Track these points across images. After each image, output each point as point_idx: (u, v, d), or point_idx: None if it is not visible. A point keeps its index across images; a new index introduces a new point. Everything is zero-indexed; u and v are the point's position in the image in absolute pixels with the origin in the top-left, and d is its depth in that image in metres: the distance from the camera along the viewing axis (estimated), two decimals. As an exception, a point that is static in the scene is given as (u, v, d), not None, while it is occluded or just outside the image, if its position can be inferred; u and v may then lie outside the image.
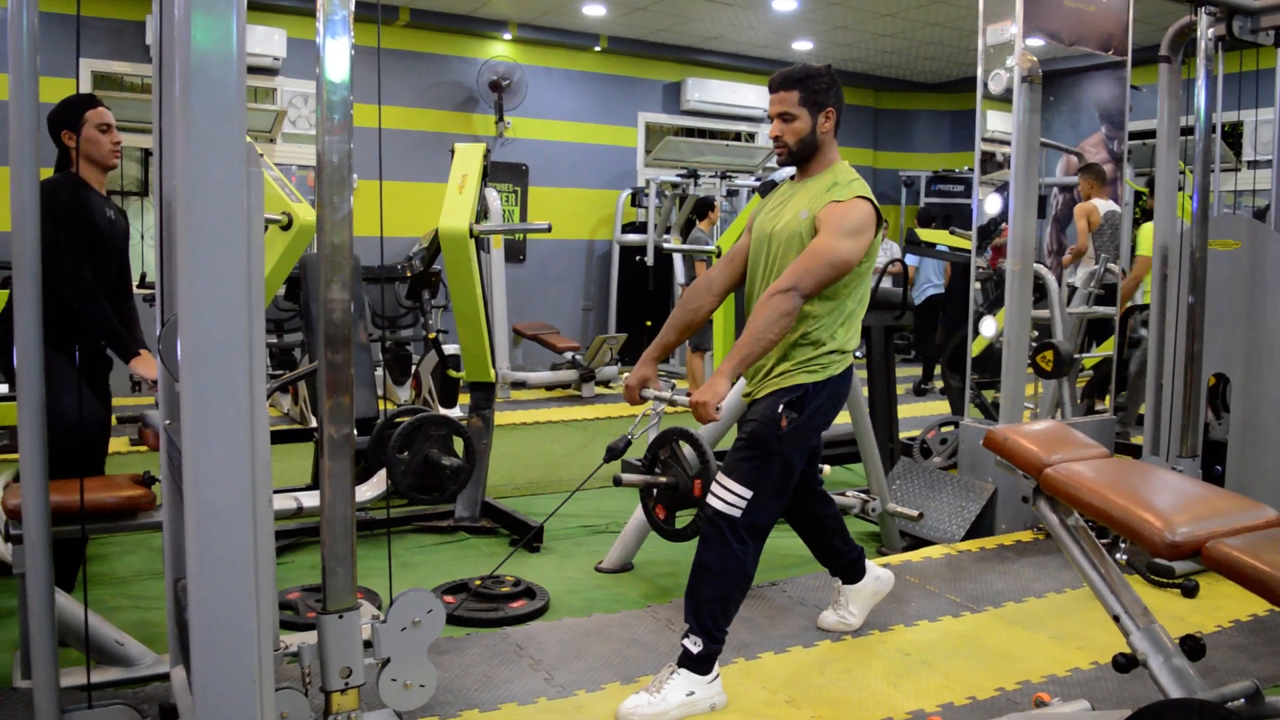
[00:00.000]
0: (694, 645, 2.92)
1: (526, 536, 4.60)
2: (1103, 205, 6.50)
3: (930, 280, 9.71)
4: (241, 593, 1.93)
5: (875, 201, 3.05)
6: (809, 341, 3.03)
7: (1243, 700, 2.22)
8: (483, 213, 5.06)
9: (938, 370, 9.72)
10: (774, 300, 2.88)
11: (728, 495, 2.95)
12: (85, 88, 8.58)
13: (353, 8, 2.21)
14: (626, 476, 3.90)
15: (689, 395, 2.99)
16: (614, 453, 3.30)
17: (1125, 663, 2.30)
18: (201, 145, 1.82)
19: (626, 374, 3.33)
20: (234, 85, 1.84)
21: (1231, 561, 2.02)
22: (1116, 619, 2.36)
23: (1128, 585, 2.43)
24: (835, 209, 2.97)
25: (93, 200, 3.61)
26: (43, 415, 2.52)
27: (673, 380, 8.28)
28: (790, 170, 3.27)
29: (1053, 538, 2.55)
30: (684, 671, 2.91)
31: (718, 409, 2.87)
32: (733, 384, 2.93)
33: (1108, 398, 6.81)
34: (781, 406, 3.01)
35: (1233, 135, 9.33)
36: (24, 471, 2.53)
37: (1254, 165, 9.22)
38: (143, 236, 9.30)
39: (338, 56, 2.19)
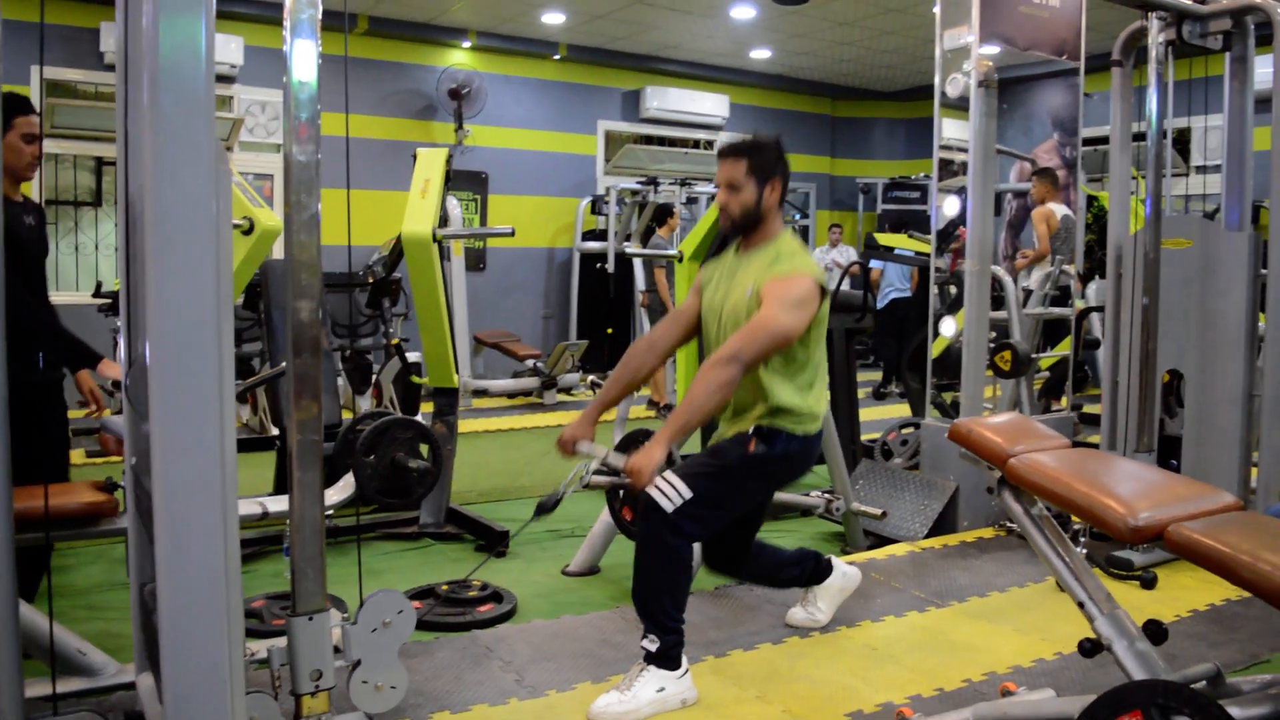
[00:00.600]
0: (651, 643, 2.93)
1: (497, 546, 4.59)
2: (1058, 209, 6.62)
3: (893, 285, 9.80)
4: (211, 596, 1.92)
5: (819, 274, 3.09)
6: (779, 407, 3.07)
7: (1204, 682, 2.27)
8: (442, 221, 5.05)
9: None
10: (714, 370, 2.90)
11: (668, 489, 2.94)
12: (36, 95, 8.46)
13: (320, 9, 2.22)
14: (594, 479, 3.90)
15: (625, 456, 2.98)
16: (544, 509, 3.23)
17: (1090, 648, 2.34)
18: (170, 141, 1.82)
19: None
20: (203, 81, 1.84)
21: (1193, 544, 2.07)
22: (1081, 605, 2.40)
23: (1091, 572, 2.47)
24: (777, 284, 3.00)
25: (11, 210, 3.42)
26: (6, 420, 2.48)
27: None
28: None
29: (1018, 527, 2.59)
30: (653, 668, 2.92)
31: (652, 477, 2.86)
32: (667, 451, 2.90)
33: (1064, 398, 6.92)
34: (753, 432, 3.07)
35: (1181, 141, 9.51)
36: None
37: (1202, 170, 9.41)
38: (96, 246, 9.20)
39: (305, 58, 2.20)
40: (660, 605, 2.94)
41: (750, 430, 3.07)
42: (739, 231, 3.19)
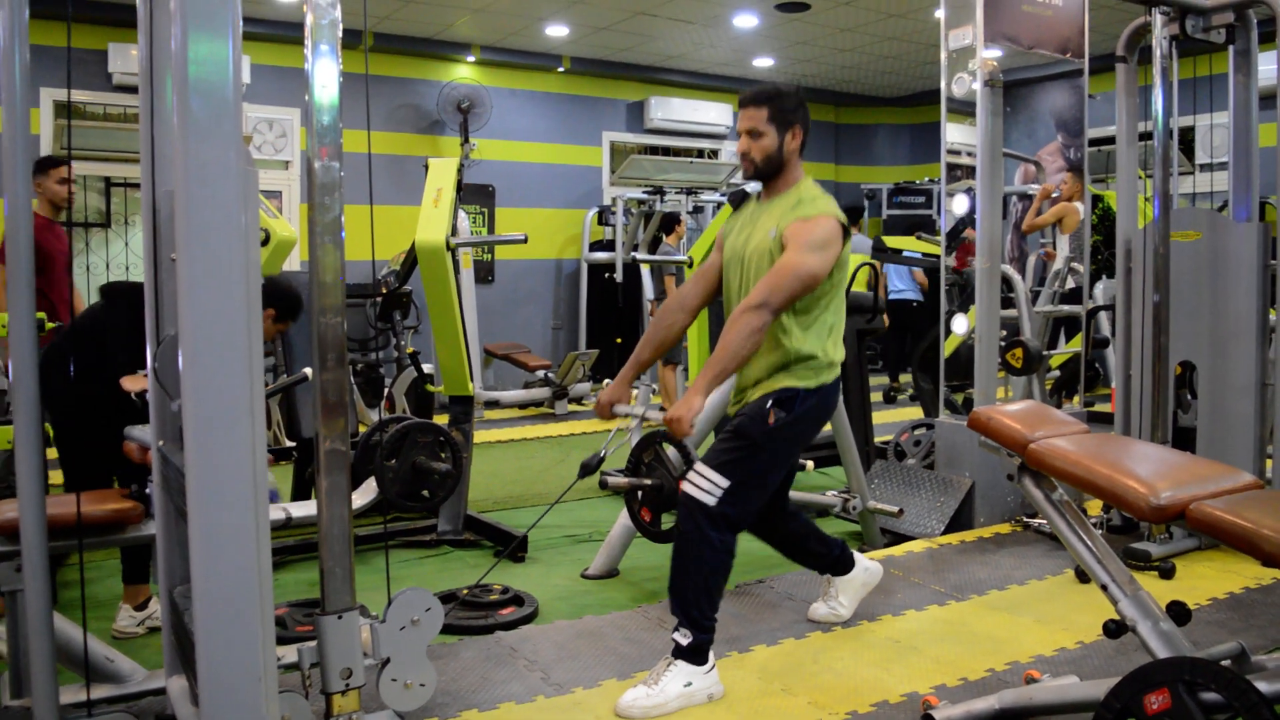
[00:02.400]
0: (684, 637, 2.95)
1: (511, 546, 4.61)
2: (1080, 208, 6.64)
3: (895, 286, 9.81)
4: (245, 596, 1.95)
5: (841, 216, 3.11)
6: (797, 354, 3.08)
7: (1229, 661, 2.28)
8: (453, 231, 5.09)
9: (904, 379, 9.86)
10: (745, 316, 2.92)
11: (704, 483, 2.98)
12: (46, 117, 8.54)
13: (340, 29, 2.26)
14: (612, 480, 3.93)
15: (662, 411, 3.03)
16: (588, 469, 3.28)
17: (1115, 629, 2.35)
18: (200, 142, 1.85)
19: (599, 390, 3.38)
20: (230, 87, 1.88)
21: (1216, 521, 2.09)
22: (1104, 588, 2.42)
23: (1114, 555, 2.49)
24: (801, 225, 3.02)
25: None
26: (40, 430, 2.53)
27: (653, 386, 8.32)
28: (760, 185, 3.34)
29: (1038, 514, 2.61)
30: (680, 663, 2.94)
31: (692, 424, 2.89)
32: (706, 399, 2.95)
33: (1076, 396, 6.93)
34: (770, 403, 3.06)
35: (1185, 140, 9.53)
36: (21, 487, 2.53)
37: (1208, 168, 9.42)
38: (107, 266, 9.25)
39: (326, 79, 2.24)
40: (697, 601, 2.96)
41: (768, 403, 3.06)
42: (760, 178, 3.20)
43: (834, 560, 3.57)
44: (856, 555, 3.64)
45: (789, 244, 3.00)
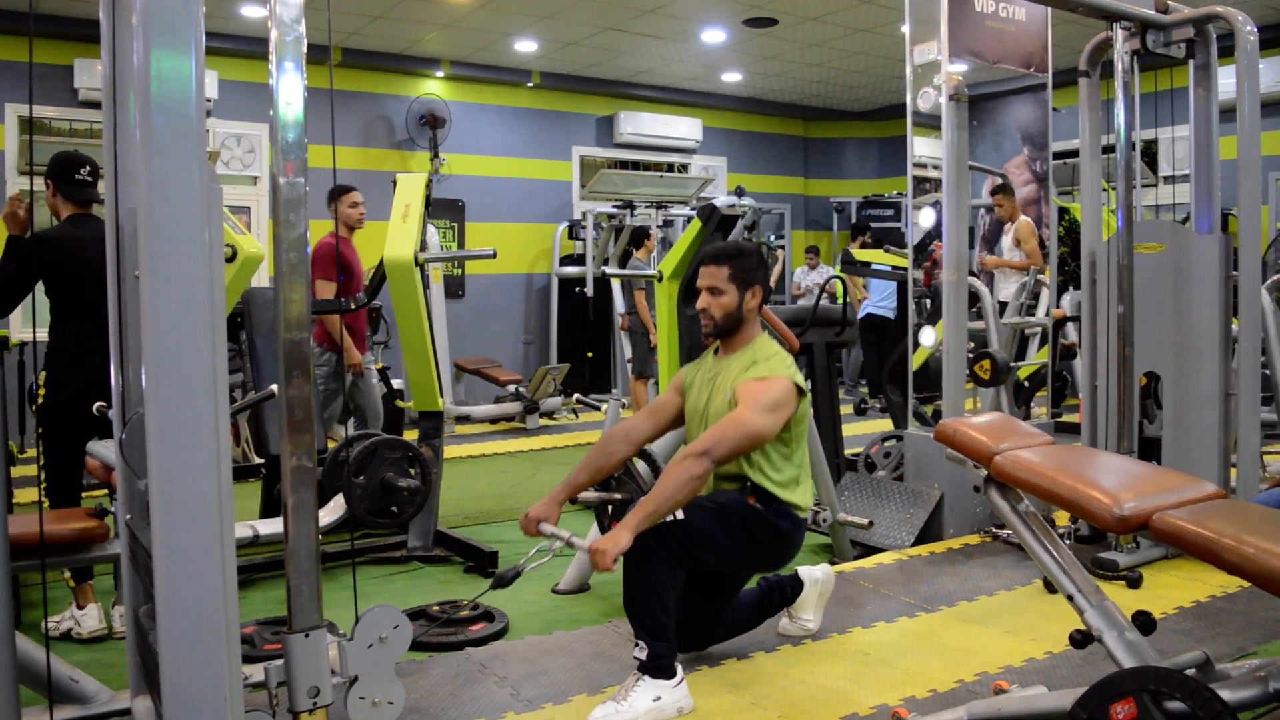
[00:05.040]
0: (642, 651, 2.95)
1: (497, 575, 4.59)
2: (1025, 220, 6.74)
3: (874, 301, 9.86)
4: (210, 615, 1.93)
5: (797, 377, 3.19)
6: (782, 477, 3.19)
7: (1194, 670, 2.30)
8: (422, 246, 5.08)
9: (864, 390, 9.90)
10: (686, 463, 2.97)
11: None
12: (11, 132, 8.46)
13: (304, 44, 2.25)
14: (582, 495, 3.92)
15: (587, 541, 3.02)
16: (502, 581, 3.23)
17: (1081, 639, 2.37)
18: (162, 158, 1.84)
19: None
20: (193, 102, 1.87)
21: (1179, 531, 2.11)
22: (1071, 598, 2.44)
23: (1079, 565, 2.51)
24: (754, 385, 3.12)
25: None
26: (4, 448, 2.50)
27: (623, 401, 8.32)
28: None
29: (1005, 525, 2.62)
30: (647, 678, 2.93)
31: (615, 560, 2.87)
32: (633, 537, 2.90)
33: (1044, 407, 6.99)
34: (751, 487, 3.18)
35: (1149, 152, 9.66)
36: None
37: (1171, 180, 9.55)
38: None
39: (291, 93, 2.22)
40: (648, 608, 2.97)
41: (749, 486, 3.17)
42: (719, 334, 3.32)
43: (780, 601, 3.58)
44: (802, 570, 3.64)
45: (740, 401, 3.10)
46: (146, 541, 2.10)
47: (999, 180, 7.09)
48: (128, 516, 2.56)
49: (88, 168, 4.13)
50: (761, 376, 3.14)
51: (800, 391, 3.18)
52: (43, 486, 4.01)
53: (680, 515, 3.01)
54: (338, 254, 5.23)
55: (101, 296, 3.89)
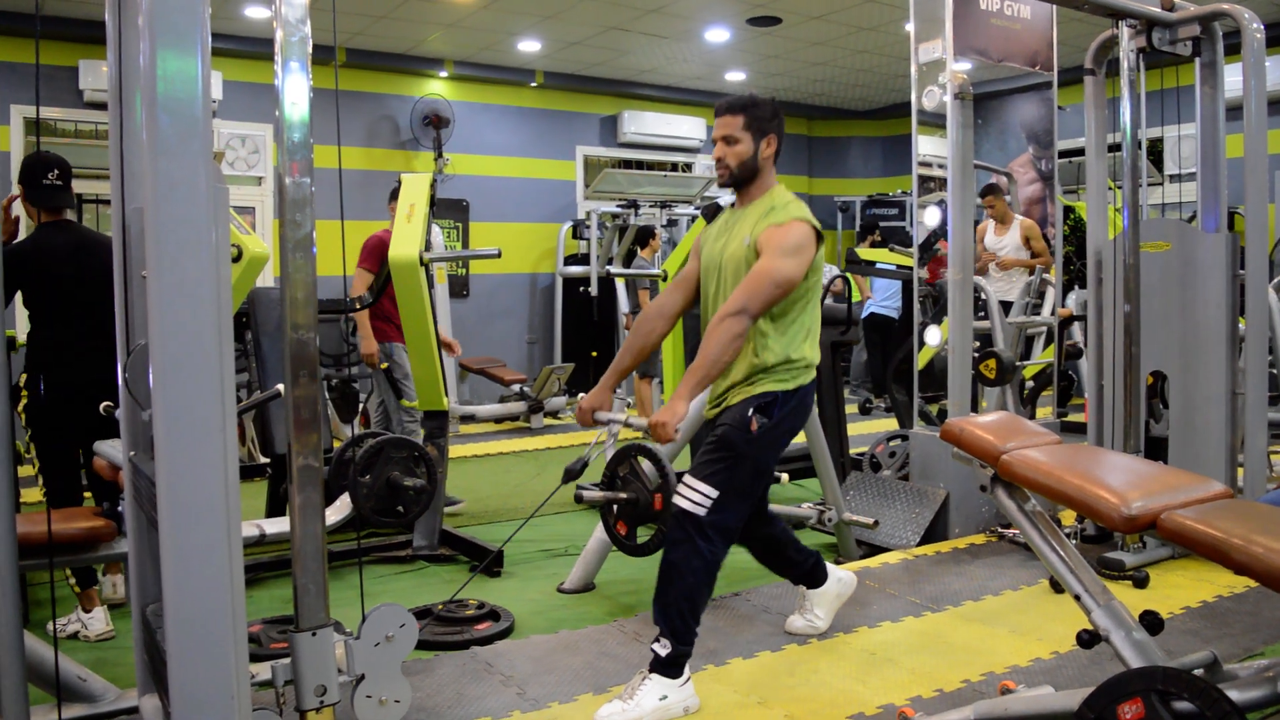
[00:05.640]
0: (663, 648, 2.95)
1: (486, 560, 4.59)
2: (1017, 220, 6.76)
3: (877, 301, 9.84)
4: (217, 612, 1.93)
5: (814, 221, 3.15)
6: (775, 359, 3.12)
7: (1202, 670, 2.29)
8: (427, 246, 5.08)
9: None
10: (725, 323, 2.96)
11: (693, 494, 3.00)
12: (16, 134, 8.47)
13: (310, 46, 2.26)
14: (587, 494, 3.92)
15: (643, 418, 3.05)
16: (571, 474, 3.30)
17: (1089, 639, 2.36)
18: (169, 159, 1.85)
19: (575, 404, 3.39)
20: (199, 103, 1.87)
21: (1187, 531, 2.10)
22: (1078, 598, 2.43)
23: (1087, 565, 2.50)
24: (774, 231, 3.08)
25: None
26: (11, 448, 2.51)
27: (628, 400, 8.31)
28: (734, 198, 3.37)
29: (1012, 525, 2.62)
30: (655, 676, 2.93)
31: (676, 430, 2.90)
32: (689, 405, 2.98)
33: (1048, 407, 6.98)
34: (751, 410, 3.08)
35: (1154, 151, 9.64)
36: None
37: (1177, 179, 9.53)
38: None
39: (297, 94, 2.23)
40: (680, 611, 2.96)
41: (749, 410, 3.08)
42: (735, 184, 3.25)
43: (808, 571, 3.58)
44: (830, 567, 3.65)
45: (763, 250, 3.05)
46: (150, 474, 2.10)
47: (1004, 179, 7.09)
48: (131, 453, 2.56)
49: (56, 171, 4.02)
50: (780, 222, 3.09)
51: (818, 235, 3.13)
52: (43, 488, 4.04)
53: (712, 493, 2.97)
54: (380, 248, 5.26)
55: (81, 300, 3.91)
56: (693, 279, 3.38)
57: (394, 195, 5.59)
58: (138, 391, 2.41)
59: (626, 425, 3.19)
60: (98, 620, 3.88)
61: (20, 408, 3.98)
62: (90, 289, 3.83)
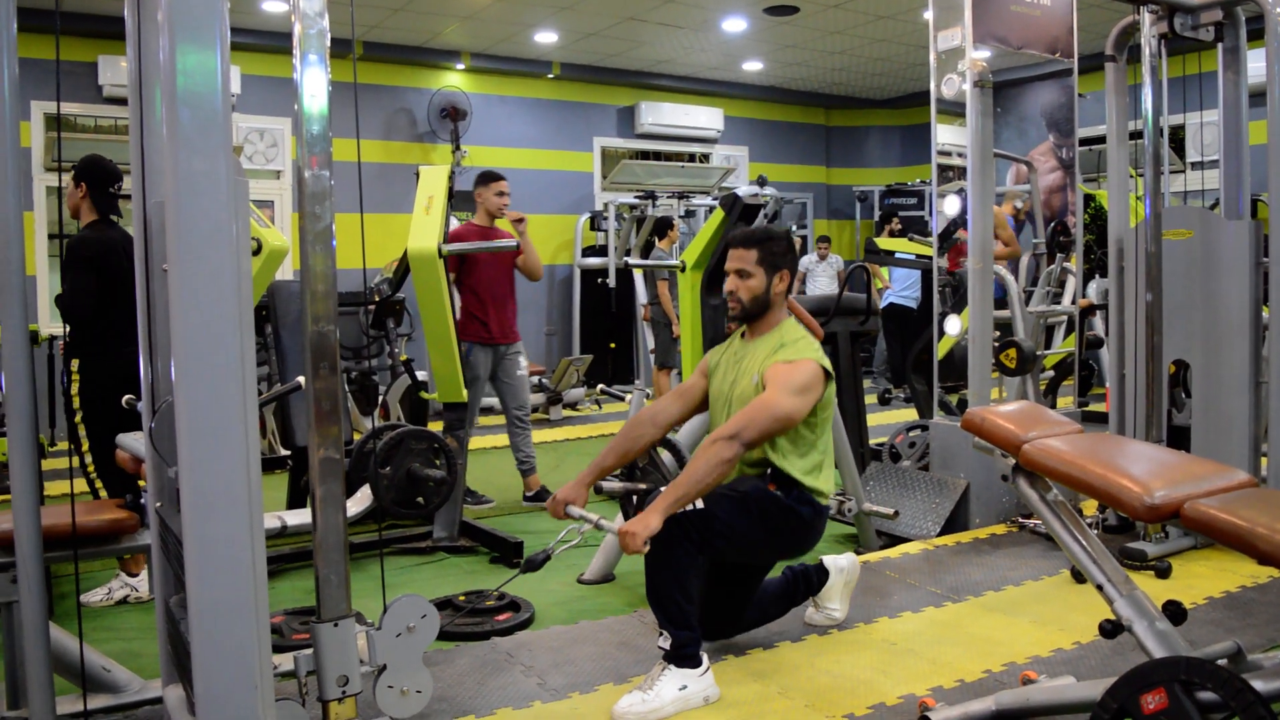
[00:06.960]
0: (666, 640, 2.95)
1: (526, 562, 4.61)
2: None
3: (896, 291, 9.81)
4: (241, 603, 1.95)
5: (824, 361, 3.18)
6: (793, 470, 3.16)
7: (1225, 660, 2.28)
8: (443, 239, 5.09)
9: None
10: (716, 446, 2.96)
11: None
12: (37, 130, 8.53)
13: (328, 39, 2.27)
14: (607, 485, 3.92)
15: (615, 523, 3.03)
16: (533, 565, 3.24)
17: (1111, 629, 2.35)
18: (189, 152, 1.86)
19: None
20: (219, 96, 1.89)
21: (1210, 520, 2.09)
22: (1100, 588, 2.42)
23: (1109, 555, 2.49)
24: (782, 369, 3.11)
25: None
26: (34, 441, 2.53)
27: (646, 391, 8.32)
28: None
29: (1033, 514, 2.61)
30: (673, 667, 2.93)
31: (645, 543, 2.86)
32: (662, 521, 2.90)
33: (1070, 397, 6.94)
34: (770, 475, 3.16)
35: (1176, 138, 9.57)
36: (16, 498, 2.52)
37: (1199, 166, 9.46)
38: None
39: (316, 88, 2.24)
40: (670, 596, 2.96)
41: (768, 472, 3.15)
42: (746, 318, 3.31)
43: (806, 590, 3.57)
44: (825, 560, 3.63)
45: (769, 384, 3.09)
46: (177, 529, 2.12)
47: (1024, 168, 7.04)
48: (158, 504, 2.58)
49: (120, 184, 4.29)
50: (789, 359, 3.13)
51: (827, 375, 3.17)
52: (90, 474, 4.13)
53: (700, 505, 2.99)
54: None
55: (127, 292, 3.98)
56: (694, 393, 3.43)
57: (478, 183, 5.85)
58: (163, 448, 2.40)
59: (597, 527, 3.13)
60: (144, 581, 4.08)
61: (75, 390, 4.09)
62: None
